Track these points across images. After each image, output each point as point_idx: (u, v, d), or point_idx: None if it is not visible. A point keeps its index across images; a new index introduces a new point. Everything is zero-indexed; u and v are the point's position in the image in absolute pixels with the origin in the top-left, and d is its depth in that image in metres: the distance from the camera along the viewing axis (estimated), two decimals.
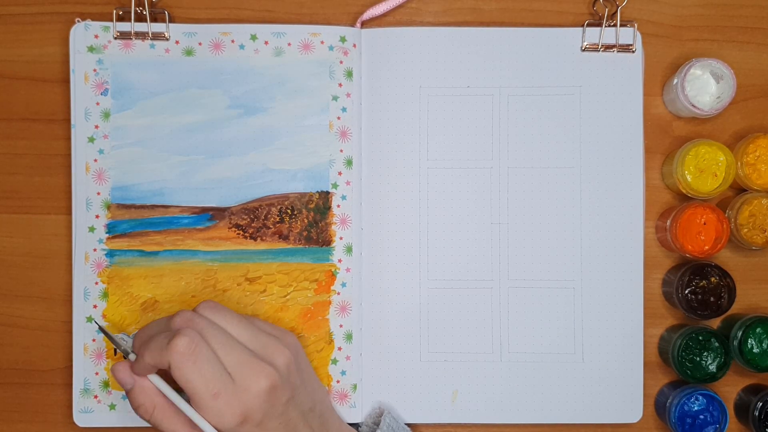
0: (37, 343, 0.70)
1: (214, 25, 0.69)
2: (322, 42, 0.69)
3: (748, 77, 0.71)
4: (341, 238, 0.69)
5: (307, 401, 0.60)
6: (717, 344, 0.67)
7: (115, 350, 0.68)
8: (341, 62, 0.69)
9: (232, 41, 0.69)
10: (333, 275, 0.69)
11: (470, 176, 0.70)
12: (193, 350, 0.55)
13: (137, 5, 0.68)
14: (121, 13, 0.69)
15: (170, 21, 0.69)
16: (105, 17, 0.69)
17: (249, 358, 0.56)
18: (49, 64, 0.70)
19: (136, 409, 0.58)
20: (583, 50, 0.70)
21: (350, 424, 0.67)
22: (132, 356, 0.59)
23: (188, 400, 0.56)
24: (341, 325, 0.69)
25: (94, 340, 0.68)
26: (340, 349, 0.69)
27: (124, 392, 0.68)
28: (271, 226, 0.69)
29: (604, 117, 0.70)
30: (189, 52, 0.69)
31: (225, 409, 0.55)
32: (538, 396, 0.69)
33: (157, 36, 0.69)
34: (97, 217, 0.69)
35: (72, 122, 0.69)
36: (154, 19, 0.69)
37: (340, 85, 0.69)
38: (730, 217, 0.68)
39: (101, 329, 0.64)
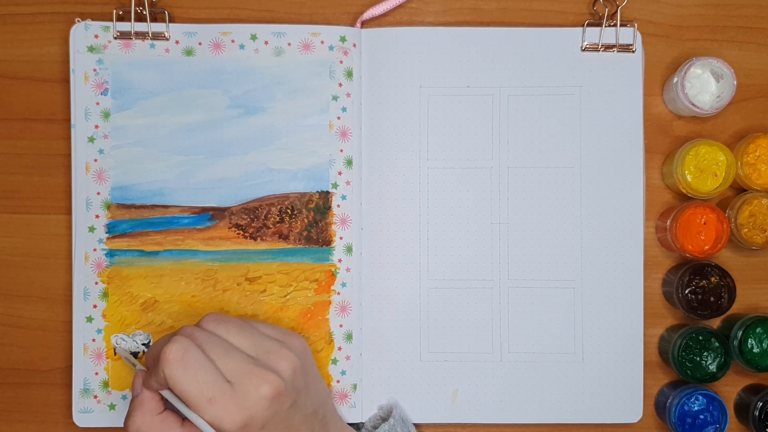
0: (37, 343, 0.70)
1: (214, 25, 0.69)
2: (322, 42, 0.69)
3: (748, 77, 0.71)
4: (341, 238, 0.69)
5: (311, 404, 0.60)
6: (717, 344, 0.67)
7: (114, 350, 0.68)
8: (341, 62, 0.69)
9: (232, 41, 0.69)
10: (333, 275, 0.69)
11: (470, 176, 0.70)
12: (182, 356, 0.54)
13: (137, 5, 0.68)
14: (121, 12, 0.69)
15: (170, 21, 0.69)
16: (105, 17, 0.69)
17: (249, 366, 0.55)
18: (49, 64, 0.70)
19: (126, 418, 0.57)
20: (583, 50, 0.70)
21: (350, 424, 0.67)
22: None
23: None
24: (341, 325, 0.69)
25: (93, 340, 0.68)
26: (340, 349, 0.69)
27: (123, 392, 0.68)
28: (271, 226, 0.69)
29: (604, 117, 0.70)
30: (189, 52, 0.69)
31: (223, 415, 0.54)
32: (538, 396, 0.69)
33: (157, 36, 0.69)
34: (97, 217, 0.69)
35: (72, 122, 0.68)
36: (154, 19, 0.69)
37: (340, 84, 0.69)
38: (730, 217, 0.68)
39: (118, 350, 0.63)
